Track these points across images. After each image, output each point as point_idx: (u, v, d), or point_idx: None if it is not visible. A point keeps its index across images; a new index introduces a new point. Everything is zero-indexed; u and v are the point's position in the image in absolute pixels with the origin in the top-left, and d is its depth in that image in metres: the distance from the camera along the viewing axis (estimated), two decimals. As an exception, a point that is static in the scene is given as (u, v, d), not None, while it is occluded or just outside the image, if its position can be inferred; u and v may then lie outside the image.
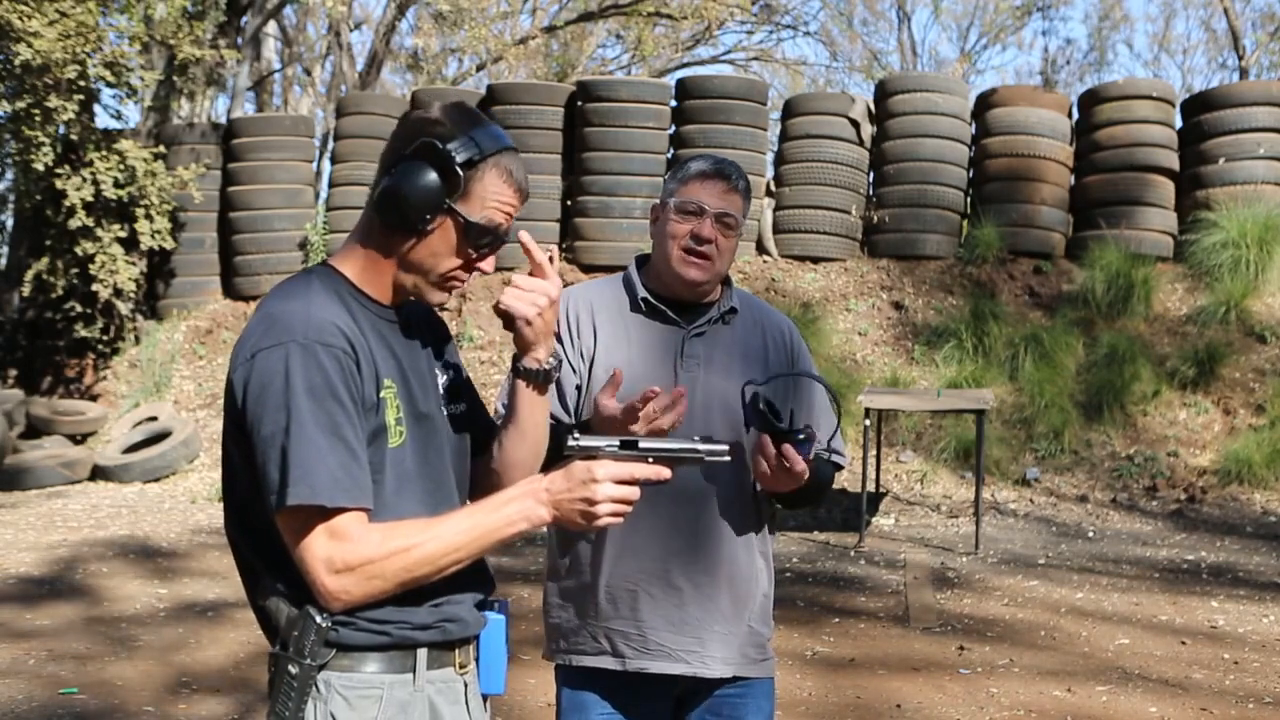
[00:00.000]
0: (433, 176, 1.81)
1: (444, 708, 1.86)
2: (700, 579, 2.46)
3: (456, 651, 1.90)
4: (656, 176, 12.08)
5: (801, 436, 2.34)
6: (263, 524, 1.77)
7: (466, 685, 1.91)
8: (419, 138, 1.83)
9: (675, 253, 2.48)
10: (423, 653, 1.84)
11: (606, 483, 1.77)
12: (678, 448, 1.92)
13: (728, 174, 2.50)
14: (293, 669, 1.76)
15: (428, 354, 1.98)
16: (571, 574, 2.51)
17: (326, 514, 1.71)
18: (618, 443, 1.84)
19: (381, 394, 1.82)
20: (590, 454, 1.82)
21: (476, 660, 1.95)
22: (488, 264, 1.90)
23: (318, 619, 1.75)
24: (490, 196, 1.84)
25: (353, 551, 1.71)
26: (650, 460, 1.85)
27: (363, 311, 1.86)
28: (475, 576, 1.92)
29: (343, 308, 1.82)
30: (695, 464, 2.00)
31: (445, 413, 1.96)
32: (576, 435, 1.87)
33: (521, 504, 1.78)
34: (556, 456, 1.96)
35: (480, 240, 1.85)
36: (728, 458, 2.16)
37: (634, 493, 1.79)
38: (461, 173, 1.81)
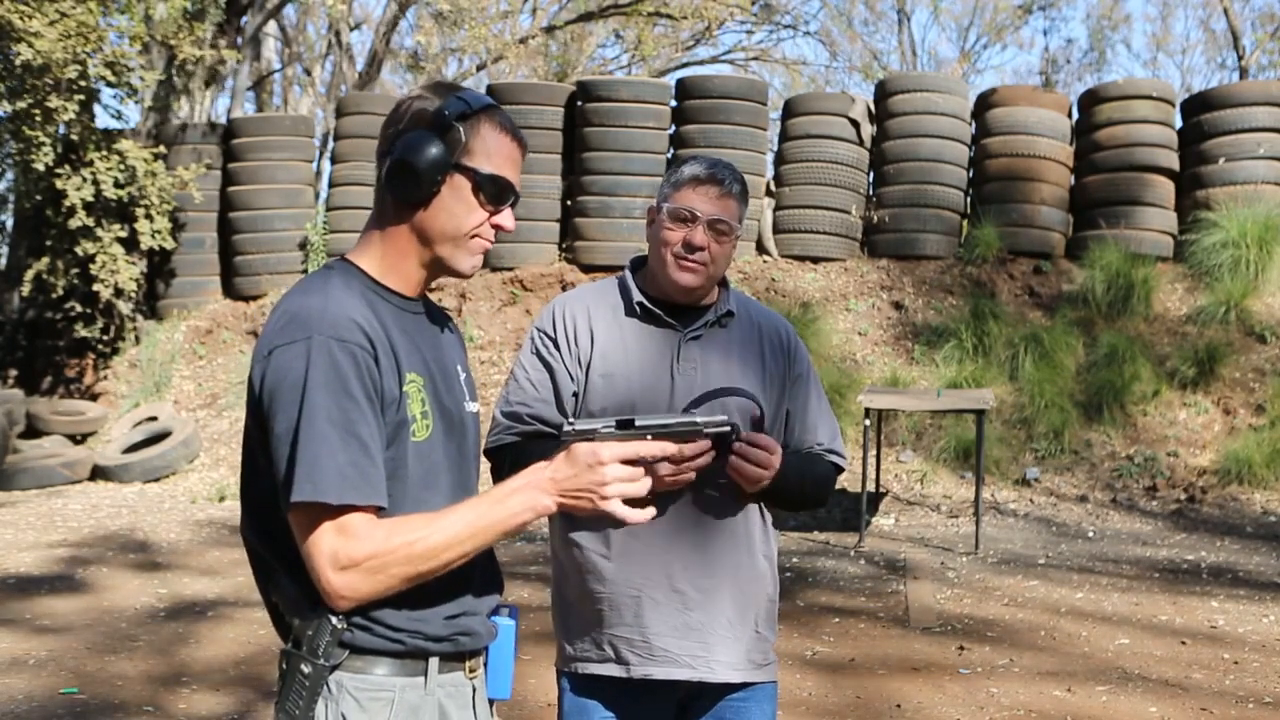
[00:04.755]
0: (434, 139, 1.82)
1: (453, 711, 1.85)
2: (703, 582, 2.44)
3: (467, 658, 1.89)
4: (656, 176, 12.07)
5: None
6: (281, 523, 1.76)
7: (475, 689, 1.91)
8: (409, 114, 1.86)
9: (668, 259, 2.47)
10: (434, 659, 1.83)
11: (613, 464, 1.74)
12: (675, 422, 1.91)
13: (721, 178, 2.47)
14: (305, 668, 1.76)
15: (450, 348, 1.97)
16: (574, 582, 2.49)
17: (334, 511, 1.69)
18: (614, 422, 1.83)
19: (405, 388, 1.80)
20: (587, 436, 1.80)
21: (484, 664, 1.94)
22: (506, 219, 1.89)
23: (333, 620, 1.75)
24: (492, 147, 1.86)
25: (358, 547, 1.70)
26: (649, 437, 1.82)
27: (385, 305, 1.84)
28: (488, 580, 1.91)
29: (363, 302, 1.81)
30: (695, 437, 1.98)
31: (467, 409, 1.96)
32: (572, 420, 1.85)
33: (525, 495, 1.75)
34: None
35: (493, 189, 1.86)
36: (727, 428, 2.15)
37: (640, 477, 1.75)
38: (459, 125, 1.83)
